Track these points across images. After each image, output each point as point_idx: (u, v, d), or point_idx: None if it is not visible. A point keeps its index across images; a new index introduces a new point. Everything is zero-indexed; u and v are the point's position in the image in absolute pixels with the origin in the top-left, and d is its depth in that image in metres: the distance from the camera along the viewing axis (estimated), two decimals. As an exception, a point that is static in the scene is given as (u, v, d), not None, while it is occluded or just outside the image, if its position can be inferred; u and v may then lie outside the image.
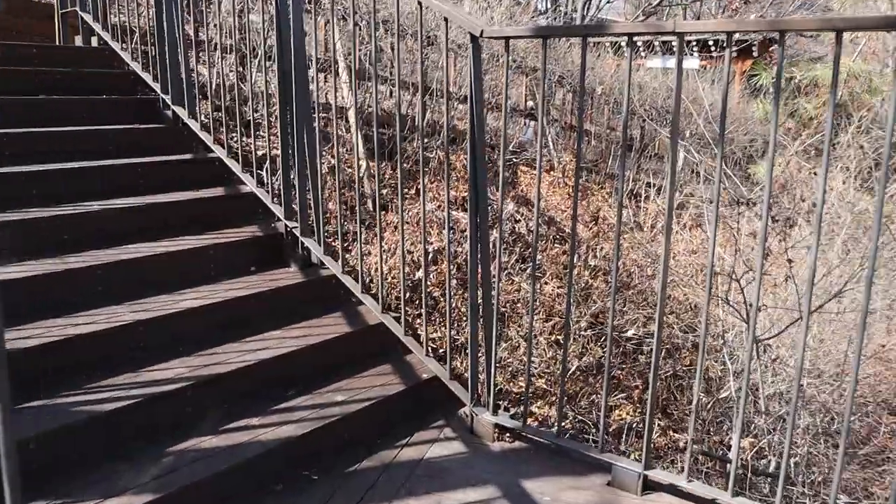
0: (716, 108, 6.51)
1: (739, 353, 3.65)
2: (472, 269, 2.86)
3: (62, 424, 2.33)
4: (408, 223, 4.84)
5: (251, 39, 4.33)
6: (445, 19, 2.76)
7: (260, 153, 4.06)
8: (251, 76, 4.68)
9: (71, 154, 3.67)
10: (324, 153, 4.95)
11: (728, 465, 3.15)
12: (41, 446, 2.27)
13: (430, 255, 4.14)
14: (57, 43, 5.15)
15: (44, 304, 2.81)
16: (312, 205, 3.44)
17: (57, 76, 4.26)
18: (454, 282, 3.99)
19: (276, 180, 3.57)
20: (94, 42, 4.90)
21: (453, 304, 4.19)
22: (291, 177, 3.48)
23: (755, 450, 3.22)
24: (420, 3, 2.80)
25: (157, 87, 4.26)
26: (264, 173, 3.67)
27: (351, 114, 5.83)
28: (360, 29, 5.65)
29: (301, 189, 3.45)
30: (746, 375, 2.33)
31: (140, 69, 4.40)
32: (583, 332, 3.97)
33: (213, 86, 3.92)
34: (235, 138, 3.98)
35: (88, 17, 4.80)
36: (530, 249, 4.30)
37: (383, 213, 4.88)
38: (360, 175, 5.61)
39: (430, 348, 3.09)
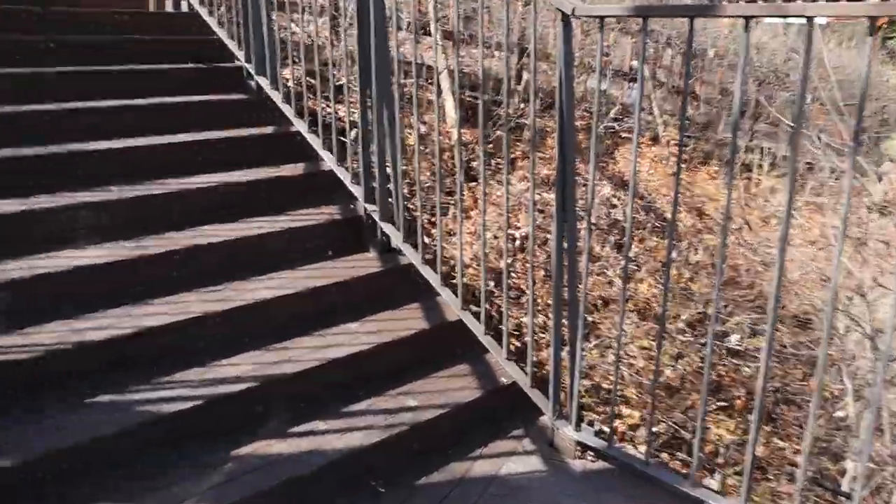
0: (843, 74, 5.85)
1: (855, 364, 3.25)
2: (557, 261, 2.61)
3: (124, 426, 2.27)
4: (495, 205, 4.59)
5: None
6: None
7: (344, 129, 3.89)
8: (342, 41, 4.49)
9: (153, 128, 3.60)
10: (411, 126, 4.75)
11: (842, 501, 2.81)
12: (106, 444, 2.22)
13: (518, 242, 3.89)
14: (150, 9, 5.11)
15: (119, 292, 2.76)
16: (392, 187, 3.25)
17: (145, 44, 4.19)
18: (541, 272, 3.74)
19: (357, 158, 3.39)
20: (185, 6, 4.82)
21: (540, 300, 3.92)
22: (372, 154, 3.30)
23: (873, 482, 2.86)
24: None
25: (240, 55, 4.14)
26: (347, 151, 3.49)
27: (443, 78, 5.57)
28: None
29: (381, 168, 3.26)
30: (875, 400, 1.99)
31: (225, 36, 4.29)
32: (680, 337, 3.65)
33: (296, 52, 3.74)
34: (324, 117, 3.82)
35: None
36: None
37: (471, 195, 4.64)
38: (450, 153, 5.37)
39: (510, 349, 2.87)
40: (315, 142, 3.69)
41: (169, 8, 4.85)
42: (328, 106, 4.41)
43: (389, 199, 3.32)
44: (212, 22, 4.38)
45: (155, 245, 2.96)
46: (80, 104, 3.54)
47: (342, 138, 3.63)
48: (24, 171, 3.12)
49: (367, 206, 3.39)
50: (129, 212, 3.11)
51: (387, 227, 3.32)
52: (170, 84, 3.99)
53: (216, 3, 4.37)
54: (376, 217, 3.35)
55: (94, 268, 2.76)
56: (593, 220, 3.91)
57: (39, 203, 2.94)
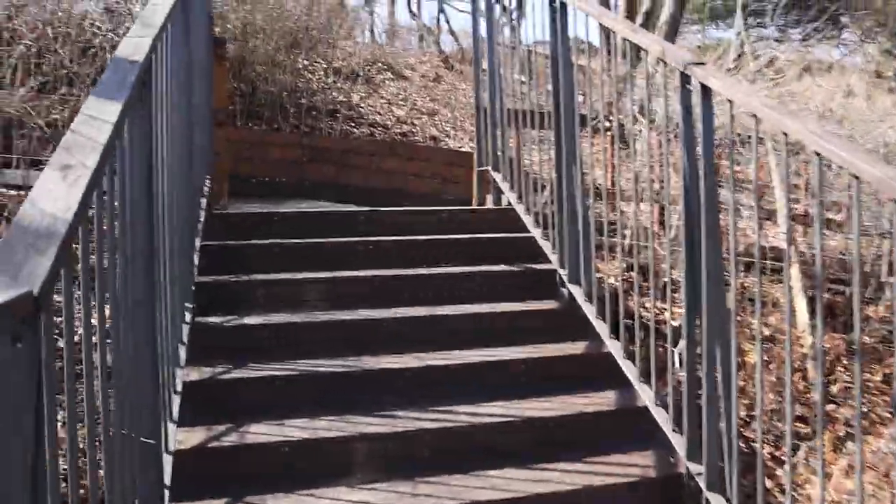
0: None
1: None
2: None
3: None
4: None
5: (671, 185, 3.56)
6: None
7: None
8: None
9: (449, 342, 3.30)
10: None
11: None
12: None
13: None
14: (473, 200, 5.08)
15: None
16: (726, 442, 2.44)
17: (458, 244, 4.03)
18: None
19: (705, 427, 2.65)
20: (504, 201, 4.67)
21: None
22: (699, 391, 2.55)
23: None
24: None
25: (553, 258, 3.74)
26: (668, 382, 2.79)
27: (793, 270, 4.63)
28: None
29: (710, 408, 2.49)
30: None
31: (540, 236, 3.95)
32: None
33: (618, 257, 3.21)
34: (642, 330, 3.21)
35: (498, 177, 4.59)
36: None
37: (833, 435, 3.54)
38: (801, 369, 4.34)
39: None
40: (630, 370, 3.04)
41: (489, 204, 4.73)
42: (651, 309, 3.77)
43: (720, 462, 2.50)
44: (527, 220, 4.10)
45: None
46: (381, 312, 3.40)
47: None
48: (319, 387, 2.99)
49: (689, 464, 2.61)
50: (409, 448, 2.74)
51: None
52: (477, 287, 3.72)
53: (532, 202, 4.10)
54: (702, 485, 2.54)
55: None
56: None
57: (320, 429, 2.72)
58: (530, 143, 4.41)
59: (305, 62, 7.43)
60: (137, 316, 1.83)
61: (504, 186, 4.53)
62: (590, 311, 3.36)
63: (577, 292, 3.49)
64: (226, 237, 3.80)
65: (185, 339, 2.87)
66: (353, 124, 7.23)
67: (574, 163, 3.51)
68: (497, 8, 4.80)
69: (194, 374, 2.98)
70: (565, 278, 3.61)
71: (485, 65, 4.82)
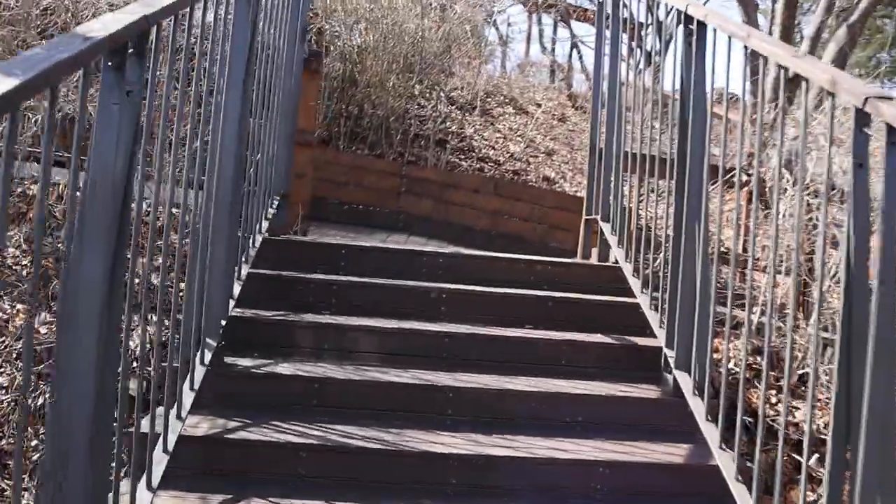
0: None
1: None
2: None
3: None
4: None
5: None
6: None
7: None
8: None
9: (510, 419, 2.68)
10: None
11: None
12: None
13: None
14: (578, 252, 4.43)
15: None
16: None
17: (548, 302, 3.40)
18: None
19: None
20: (611, 258, 4.00)
21: None
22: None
23: None
24: None
25: (660, 333, 3.04)
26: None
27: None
28: None
29: None
30: None
31: (647, 304, 3.25)
32: None
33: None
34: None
35: (606, 228, 3.93)
36: None
37: None
38: None
39: None
40: (743, 498, 2.29)
41: (594, 258, 4.06)
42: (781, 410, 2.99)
43: None
44: (634, 284, 3.41)
45: None
46: (440, 377, 2.83)
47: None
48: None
49: None
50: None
51: None
52: (561, 360, 3.08)
53: (642, 262, 3.41)
54: None
55: None
56: None
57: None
58: (648, 192, 3.73)
59: (418, 87, 7.07)
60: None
61: (612, 240, 3.85)
62: (698, 408, 2.63)
63: (685, 382, 2.77)
64: (282, 266, 3.36)
65: (196, 384, 2.41)
66: (461, 156, 6.75)
67: (698, 220, 2.82)
68: (622, 38, 4.18)
69: (204, 426, 2.51)
70: (672, 361, 2.89)
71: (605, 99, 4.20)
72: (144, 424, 2.12)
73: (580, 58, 12.82)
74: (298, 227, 4.22)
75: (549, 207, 5.92)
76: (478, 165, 6.67)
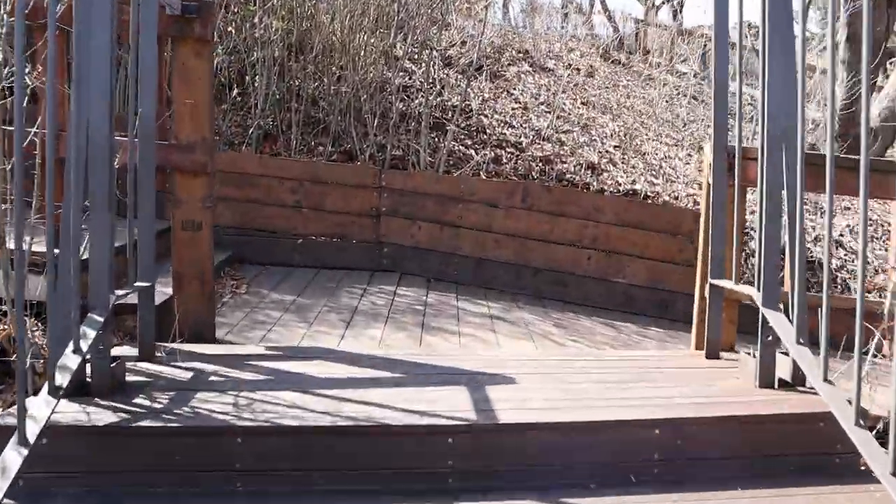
0: None
1: None
2: None
3: None
4: None
5: None
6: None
7: None
8: None
9: None
10: None
11: None
12: None
13: None
14: (692, 340, 2.53)
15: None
16: None
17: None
18: None
19: None
20: (786, 368, 2.08)
21: None
22: None
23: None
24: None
25: None
26: None
27: None
28: None
29: None
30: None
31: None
32: None
33: None
34: None
35: (773, 318, 2.00)
36: None
37: None
38: None
39: None
40: None
41: (745, 369, 2.16)
42: None
43: None
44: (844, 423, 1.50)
45: None
46: None
47: None
48: None
49: None
50: None
51: None
52: None
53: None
54: None
55: None
56: None
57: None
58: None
59: (401, 46, 5.07)
60: None
61: (794, 348, 1.91)
62: None
63: None
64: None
65: None
66: (469, 143, 4.79)
67: None
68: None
69: None
70: None
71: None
72: None
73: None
74: (188, 334, 2.34)
75: (608, 223, 3.92)
76: (492, 154, 4.69)
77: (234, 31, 4.51)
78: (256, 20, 4.33)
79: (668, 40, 8.91)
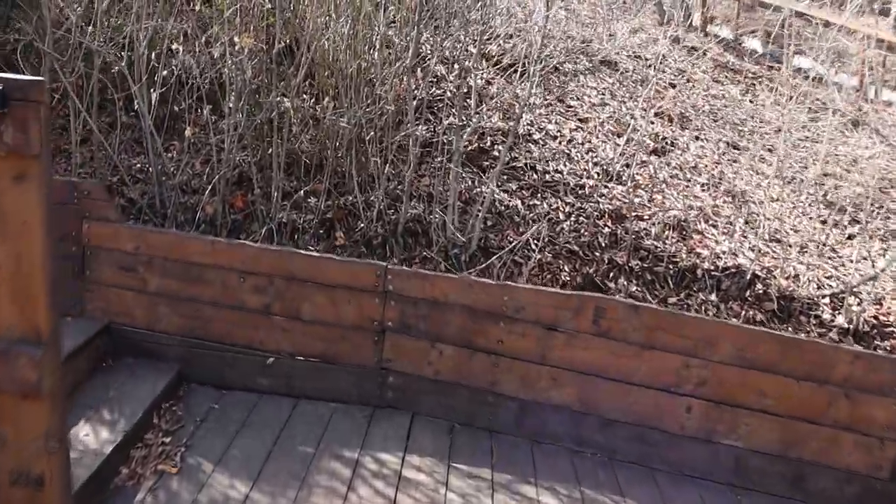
0: None
1: None
2: None
3: None
4: None
5: None
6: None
7: None
8: None
9: None
10: None
11: None
12: None
13: None
14: None
15: None
16: None
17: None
18: None
19: None
20: None
21: None
22: None
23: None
24: None
25: None
26: None
27: None
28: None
29: None
30: None
31: None
32: None
33: None
34: None
35: None
36: None
37: None
38: None
39: None
40: None
41: None
42: None
43: None
44: None
45: None
46: None
47: None
48: None
49: None
50: None
51: None
52: None
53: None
54: None
55: None
56: None
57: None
58: None
59: (429, 44, 3.80)
60: None
61: None
62: None
63: None
64: None
65: None
66: (513, 187, 3.52)
67: None
68: None
69: None
70: None
71: None
72: None
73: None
74: None
75: (721, 362, 2.59)
76: (544, 207, 3.44)
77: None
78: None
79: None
